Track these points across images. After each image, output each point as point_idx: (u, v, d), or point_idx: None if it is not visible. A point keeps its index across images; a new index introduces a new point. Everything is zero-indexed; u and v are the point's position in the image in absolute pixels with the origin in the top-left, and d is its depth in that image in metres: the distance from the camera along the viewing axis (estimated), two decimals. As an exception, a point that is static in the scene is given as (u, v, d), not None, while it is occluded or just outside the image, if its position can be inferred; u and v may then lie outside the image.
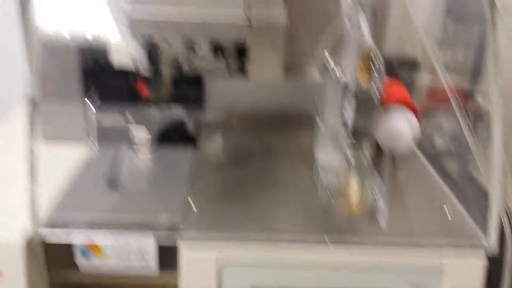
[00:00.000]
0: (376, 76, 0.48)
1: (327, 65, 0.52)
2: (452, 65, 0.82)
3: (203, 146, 0.66)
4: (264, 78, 0.57)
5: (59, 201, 0.52)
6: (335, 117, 0.52)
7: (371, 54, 0.47)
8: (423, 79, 0.82)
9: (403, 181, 0.58)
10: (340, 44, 0.54)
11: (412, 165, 0.63)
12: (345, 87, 0.49)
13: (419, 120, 0.59)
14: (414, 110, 0.59)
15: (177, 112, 0.69)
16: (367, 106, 0.49)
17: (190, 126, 0.71)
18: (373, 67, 0.48)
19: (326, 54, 0.53)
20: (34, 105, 0.46)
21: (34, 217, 0.47)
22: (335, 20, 0.53)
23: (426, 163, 0.64)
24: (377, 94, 0.48)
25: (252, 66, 0.57)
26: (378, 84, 0.48)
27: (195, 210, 0.50)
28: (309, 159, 0.60)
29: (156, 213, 0.50)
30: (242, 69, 0.68)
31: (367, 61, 0.47)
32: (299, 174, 0.59)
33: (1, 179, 0.58)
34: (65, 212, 0.50)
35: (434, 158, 0.67)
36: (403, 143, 0.59)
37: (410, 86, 0.90)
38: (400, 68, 0.89)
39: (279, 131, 0.70)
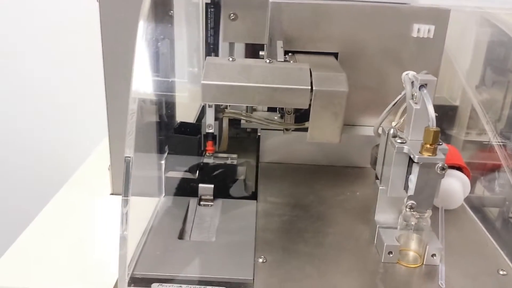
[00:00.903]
0: (439, 149, 0.52)
1: (390, 135, 0.55)
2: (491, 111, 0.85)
3: (260, 195, 0.70)
4: (322, 139, 0.61)
5: (136, 257, 0.56)
6: (396, 180, 0.55)
7: (435, 130, 0.51)
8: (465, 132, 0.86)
9: (455, 236, 0.62)
10: (402, 114, 0.58)
11: (460, 217, 0.66)
12: (409, 157, 0.53)
13: (470, 179, 0.63)
14: (466, 171, 0.63)
15: (233, 162, 0.73)
16: (429, 174, 0.52)
17: (244, 175, 0.75)
18: (436, 141, 0.51)
19: (389, 125, 0.57)
20: (129, 164, 0.51)
21: (122, 274, 0.51)
22: (396, 90, 0.58)
23: (473, 214, 0.67)
24: (440, 165, 0.51)
25: (312, 128, 0.60)
26: (440, 156, 0.52)
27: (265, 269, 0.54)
28: (365, 215, 0.64)
29: (229, 270, 0.54)
30: (297, 121, 0.72)
31: (430, 135, 0.51)
32: (356, 230, 0.63)
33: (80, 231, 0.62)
34: (145, 269, 0.54)
35: (480, 209, 0.71)
36: (457, 202, 0.63)
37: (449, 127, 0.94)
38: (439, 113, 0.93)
39: (332, 183, 0.74)
